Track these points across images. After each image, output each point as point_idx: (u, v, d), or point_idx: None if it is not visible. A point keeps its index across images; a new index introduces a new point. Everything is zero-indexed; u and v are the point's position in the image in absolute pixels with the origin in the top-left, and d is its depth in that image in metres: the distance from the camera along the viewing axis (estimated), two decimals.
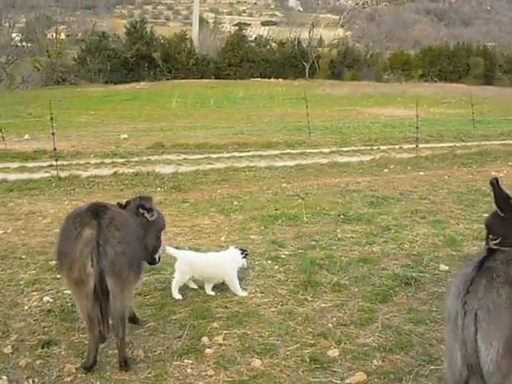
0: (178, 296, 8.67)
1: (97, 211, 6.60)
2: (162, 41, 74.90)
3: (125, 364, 6.65)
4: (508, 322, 4.40)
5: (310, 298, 8.62)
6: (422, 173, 19.97)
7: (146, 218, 7.48)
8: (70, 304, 8.25)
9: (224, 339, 7.35)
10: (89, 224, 6.40)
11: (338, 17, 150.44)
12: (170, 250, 9.05)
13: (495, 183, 6.49)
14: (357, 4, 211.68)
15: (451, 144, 27.61)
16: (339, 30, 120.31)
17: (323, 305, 8.40)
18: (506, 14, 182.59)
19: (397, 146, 26.50)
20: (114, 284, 6.44)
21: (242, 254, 8.95)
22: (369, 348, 7.11)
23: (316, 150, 24.80)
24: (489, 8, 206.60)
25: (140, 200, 7.61)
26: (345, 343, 7.22)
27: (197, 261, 8.86)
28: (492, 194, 6.56)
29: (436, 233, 12.04)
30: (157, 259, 8.08)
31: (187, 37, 77.07)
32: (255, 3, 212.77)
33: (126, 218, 7.03)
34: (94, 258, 6.28)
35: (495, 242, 6.35)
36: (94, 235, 6.32)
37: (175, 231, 12.20)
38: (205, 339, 7.31)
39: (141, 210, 7.46)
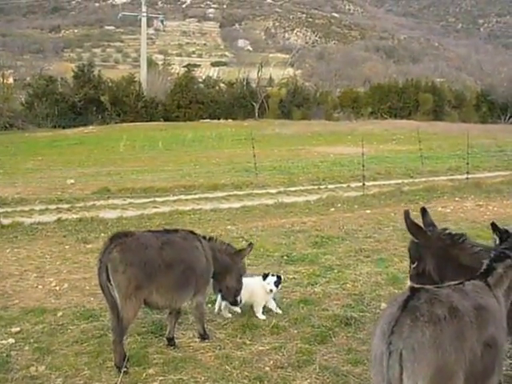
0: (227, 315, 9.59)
1: None
2: (110, 84, 74.65)
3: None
4: (433, 360, 4.42)
5: (248, 342, 8.54)
6: (368, 211, 20.02)
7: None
8: None
9: None
10: None
11: (287, 56, 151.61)
12: None
13: (405, 214, 7.03)
14: (306, 43, 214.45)
15: (399, 181, 27.73)
16: (289, 69, 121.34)
17: (261, 348, 8.32)
18: (453, 50, 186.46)
19: (344, 185, 26.53)
20: None
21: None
22: None
23: (263, 191, 24.70)
24: (437, 44, 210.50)
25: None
26: None
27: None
28: (405, 223, 7.08)
29: (379, 271, 12.08)
30: (238, 301, 9.22)
31: (135, 79, 77.07)
32: (205, 44, 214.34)
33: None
34: None
35: (413, 265, 7.00)
36: None
37: None
38: None
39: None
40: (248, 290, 9.44)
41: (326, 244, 14.72)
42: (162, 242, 8.00)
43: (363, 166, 25.47)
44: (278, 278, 9.53)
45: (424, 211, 7.38)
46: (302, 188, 25.86)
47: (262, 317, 9.42)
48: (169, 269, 7.90)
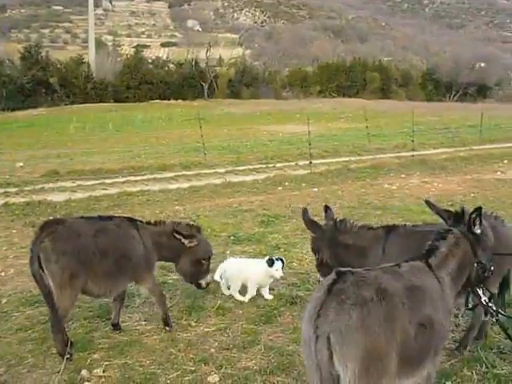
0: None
1: None
2: (58, 65, 73.81)
3: None
4: (361, 342, 4.40)
5: (193, 324, 8.51)
6: (315, 189, 20.10)
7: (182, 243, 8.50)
8: None
9: (104, 371, 7.14)
10: None
11: (236, 36, 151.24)
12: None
13: (303, 212, 7.90)
14: (255, 23, 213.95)
15: (346, 158, 27.93)
16: (238, 49, 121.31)
17: (206, 329, 8.29)
18: (399, 30, 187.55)
19: (293, 163, 26.59)
20: None
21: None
22: (250, 371, 7.01)
23: (211, 171, 24.67)
24: (384, 24, 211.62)
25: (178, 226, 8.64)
26: (226, 368, 7.12)
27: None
28: (303, 220, 7.87)
29: None
30: (203, 284, 8.93)
31: (84, 61, 76.31)
32: (154, 24, 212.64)
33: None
34: None
35: (316, 257, 7.69)
36: None
37: None
38: (84, 372, 7.08)
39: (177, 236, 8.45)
40: (248, 272, 9.42)
41: (272, 223, 14.73)
42: (96, 230, 7.80)
43: (310, 144, 25.56)
44: (282, 261, 9.40)
45: (326, 208, 8.15)
46: (250, 167, 25.86)
47: (241, 298, 9.41)
48: (103, 257, 7.71)
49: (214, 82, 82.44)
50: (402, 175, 22.90)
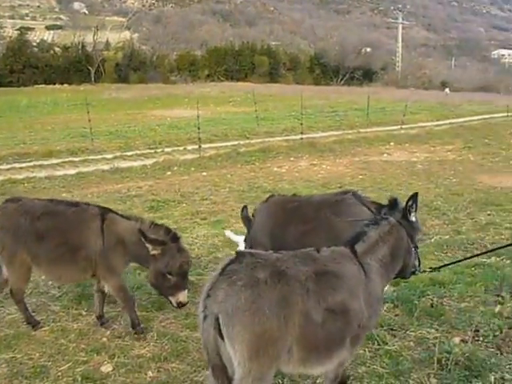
0: None
1: None
2: None
3: None
4: (249, 325, 4.34)
5: (84, 313, 8.30)
6: (205, 173, 20.12)
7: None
8: None
9: None
10: None
11: (124, 19, 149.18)
12: (230, 235, 10.04)
13: (242, 210, 8.14)
14: (143, 6, 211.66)
15: (236, 142, 28.04)
16: (126, 33, 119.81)
17: None
18: (287, 15, 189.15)
19: (181, 148, 26.53)
20: None
21: None
22: (143, 359, 6.90)
23: (99, 157, 24.31)
24: (272, 9, 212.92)
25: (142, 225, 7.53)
26: (119, 357, 6.97)
27: None
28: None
29: (216, 233, 12.07)
30: (173, 303, 7.57)
31: None
32: (38, 6, 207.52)
33: None
34: None
35: None
36: None
37: None
38: None
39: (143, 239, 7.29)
40: None
41: (162, 208, 14.69)
42: (43, 213, 7.49)
43: (199, 128, 25.49)
44: None
45: (243, 208, 8.48)
46: (138, 152, 25.66)
47: None
48: (42, 241, 7.41)
49: (101, 66, 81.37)
50: (291, 158, 23.16)
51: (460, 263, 8.32)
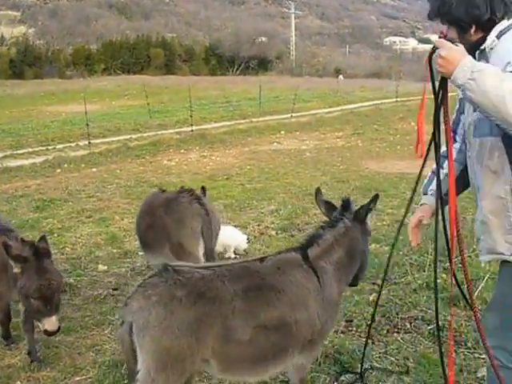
0: None
1: None
2: None
3: None
4: (157, 339, 4.35)
5: None
6: (94, 169, 19.93)
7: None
8: None
9: None
10: None
11: (18, 13, 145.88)
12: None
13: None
14: (38, 0, 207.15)
15: (128, 136, 27.90)
16: (21, 28, 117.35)
17: None
18: (183, 6, 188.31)
19: (73, 144, 26.11)
20: None
21: None
22: (13, 369, 6.59)
23: None
24: (167, 1, 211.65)
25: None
26: None
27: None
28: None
29: (100, 231, 11.96)
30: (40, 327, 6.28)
31: None
32: None
33: None
34: None
35: None
36: None
37: None
38: None
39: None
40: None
41: (48, 207, 14.38)
42: None
43: (88, 124, 25.36)
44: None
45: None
46: (30, 150, 25.02)
47: None
48: None
49: None
50: (182, 151, 23.22)
51: None
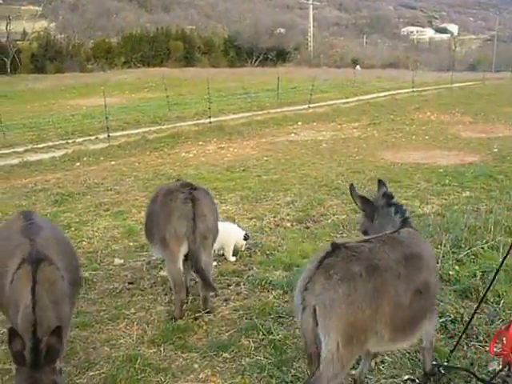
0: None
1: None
2: None
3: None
4: (343, 316, 4.60)
5: None
6: (113, 162, 20.06)
7: None
8: None
9: None
10: None
11: (40, 8, 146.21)
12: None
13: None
14: None
15: (147, 129, 27.99)
16: (42, 22, 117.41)
17: None
18: None
19: (93, 137, 26.27)
20: None
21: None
22: None
23: (10, 151, 23.84)
24: None
25: None
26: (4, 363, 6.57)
27: None
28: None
29: (117, 225, 12.00)
30: None
31: None
32: None
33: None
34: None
35: None
36: None
37: None
38: None
39: None
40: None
41: (66, 201, 14.47)
42: None
43: (107, 118, 25.46)
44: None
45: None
46: (50, 144, 25.27)
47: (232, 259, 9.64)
48: None
49: (17, 57, 79.84)
50: (200, 143, 23.29)
51: None
